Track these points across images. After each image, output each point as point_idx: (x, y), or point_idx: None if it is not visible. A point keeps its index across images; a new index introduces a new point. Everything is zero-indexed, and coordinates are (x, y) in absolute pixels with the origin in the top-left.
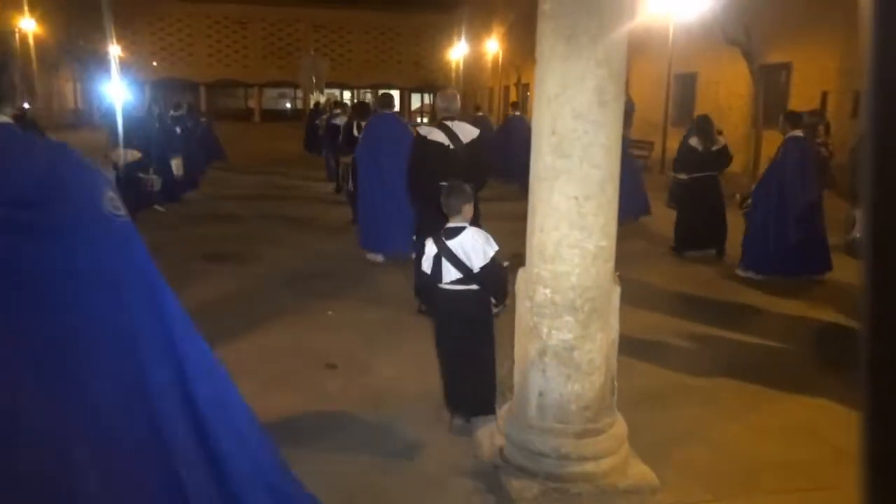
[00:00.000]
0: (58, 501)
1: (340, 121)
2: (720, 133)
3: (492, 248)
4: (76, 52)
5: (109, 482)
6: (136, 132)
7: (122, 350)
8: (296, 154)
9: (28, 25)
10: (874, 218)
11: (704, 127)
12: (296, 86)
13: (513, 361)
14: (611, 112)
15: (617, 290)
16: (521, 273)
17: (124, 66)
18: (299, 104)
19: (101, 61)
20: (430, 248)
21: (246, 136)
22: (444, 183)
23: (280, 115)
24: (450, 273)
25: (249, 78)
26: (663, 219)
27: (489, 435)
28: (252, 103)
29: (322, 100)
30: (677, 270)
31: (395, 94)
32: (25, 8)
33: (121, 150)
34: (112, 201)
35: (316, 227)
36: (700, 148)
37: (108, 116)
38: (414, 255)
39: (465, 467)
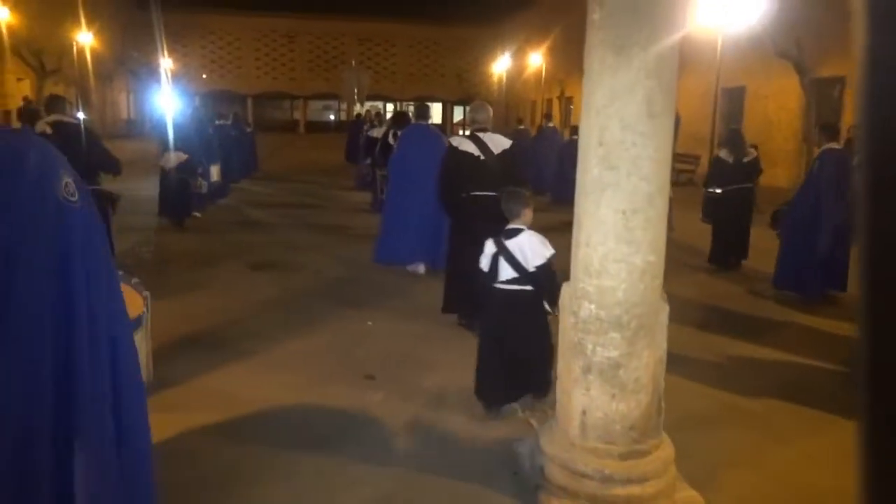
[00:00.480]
0: None
1: (377, 133)
2: (754, 147)
3: (548, 251)
4: (130, 64)
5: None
6: (183, 139)
7: (47, 330)
8: (337, 164)
9: (85, 39)
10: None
11: (735, 139)
12: (340, 98)
13: (554, 377)
14: (660, 124)
15: (665, 308)
16: (564, 287)
17: (175, 77)
18: (343, 116)
19: (153, 73)
20: (490, 247)
21: (290, 147)
22: (474, 193)
23: (324, 126)
24: (506, 272)
25: (295, 90)
26: (695, 232)
27: (530, 452)
28: (297, 115)
29: (363, 111)
30: (710, 284)
31: (438, 106)
32: (83, 22)
33: (170, 154)
34: (67, 187)
35: (352, 235)
36: (730, 160)
37: (159, 127)
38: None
39: (504, 484)
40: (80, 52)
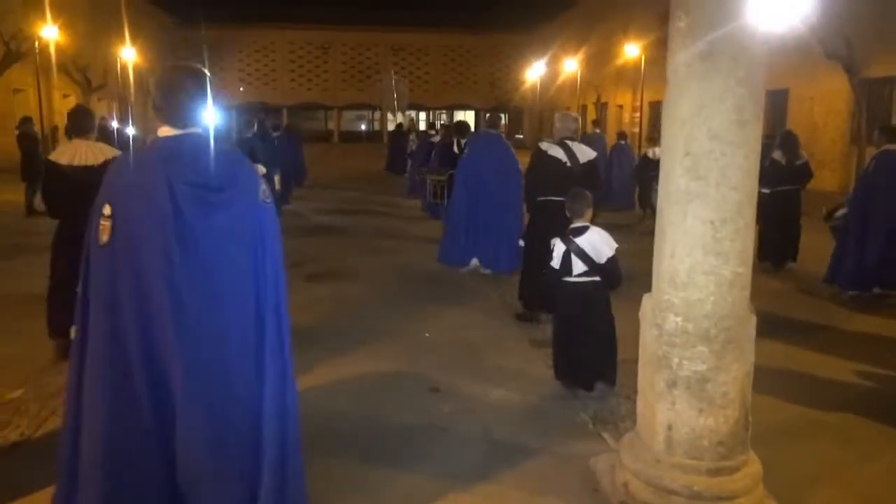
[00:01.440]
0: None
1: (436, 140)
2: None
3: (614, 243)
4: None
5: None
6: (249, 151)
7: (246, 284)
8: (376, 173)
9: (129, 55)
10: None
11: (790, 141)
12: (374, 108)
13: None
14: (750, 132)
15: (752, 319)
16: (646, 299)
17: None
18: (376, 126)
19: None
20: (560, 247)
21: (327, 157)
22: (554, 198)
23: (357, 136)
24: (578, 266)
25: (329, 100)
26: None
27: (609, 468)
28: (332, 125)
29: (404, 121)
30: (764, 286)
31: (471, 114)
32: (127, 38)
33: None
34: (263, 193)
35: (405, 239)
36: (783, 162)
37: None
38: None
39: (585, 501)
40: (124, 67)
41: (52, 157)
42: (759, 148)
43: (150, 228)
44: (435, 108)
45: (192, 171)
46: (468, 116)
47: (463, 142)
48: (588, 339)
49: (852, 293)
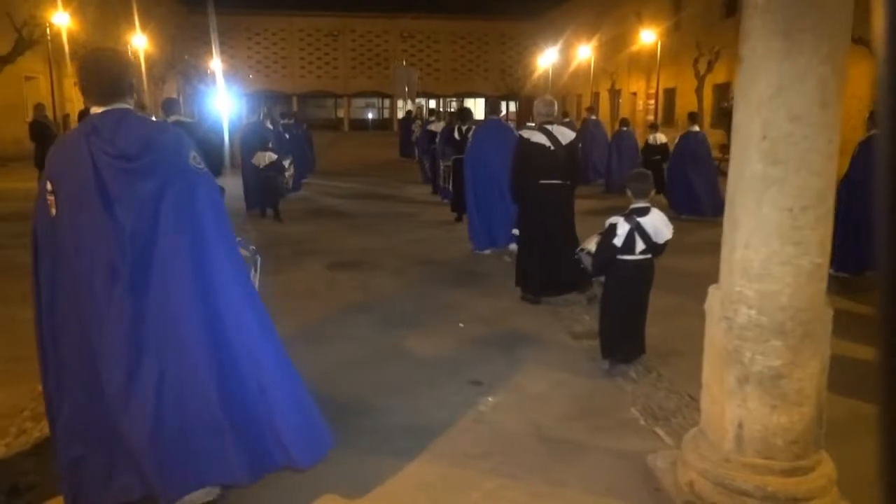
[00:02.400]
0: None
1: (436, 127)
2: None
3: (671, 225)
4: (180, 67)
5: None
6: (259, 138)
7: (180, 243)
8: (387, 159)
9: (140, 42)
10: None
11: None
12: (384, 95)
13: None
14: (832, 114)
15: (829, 313)
16: (713, 292)
17: (224, 78)
18: (385, 113)
19: (203, 75)
20: (624, 226)
21: (337, 145)
22: (542, 181)
23: (366, 124)
24: (639, 245)
25: (339, 88)
26: None
27: (669, 466)
28: (341, 112)
29: (413, 108)
30: None
31: (481, 102)
32: (137, 25)
33: (264, 154)
34: (195, 160)
35: (418, 223)
36: None
37: (247, 128)
38: (515, 247)
39: (647, 501)
40: (135, 55)
41: None
42: (839, 131)
43: (82, 200)
44: (445, 96)
45: (110, 144)
46: (478, 104)
47: (464, 128)
48: (635, 317)
49: (842, 275)
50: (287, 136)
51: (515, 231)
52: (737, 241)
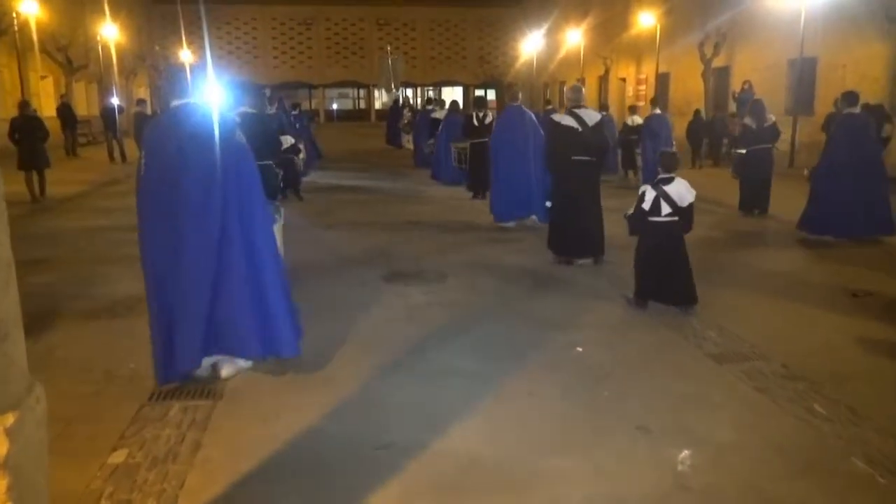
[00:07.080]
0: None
1: (439, 114)
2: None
3: (693, 191)
4: (151, 59)
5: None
6: (280, 125)
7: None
8: (374, 148)
9: (110, 33)
10: None
11: (757, 108)
12: (360, 85)
13: None
14: None
15: None
16: None
17: (194, 69)
18: (362, 104)
19: (174, 67)
20: (651, 192)
21: (319, 135)
22: (574, 158)
23: (342, 114)
24: (665, 209)
25: (314, 78)
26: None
27: None
28: (315, 103)
29: (401, 98)
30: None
31: (459, 90)
32: (107, 15)
33: (281, 138)
34: (239, 137)
35: (430, 200)
36: (754, 126)
37: (261, 114)
38: (536, 219)
39: None
40: (105, 46)
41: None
42: None
43: (167, 167)
44: (423, 85)
45: (188, 125)
46: (456, 92)
47: (481, 114)
48: (671, 266)
49: (828, 237)
50: (297, 125)
51: (548, 203)
52: None
